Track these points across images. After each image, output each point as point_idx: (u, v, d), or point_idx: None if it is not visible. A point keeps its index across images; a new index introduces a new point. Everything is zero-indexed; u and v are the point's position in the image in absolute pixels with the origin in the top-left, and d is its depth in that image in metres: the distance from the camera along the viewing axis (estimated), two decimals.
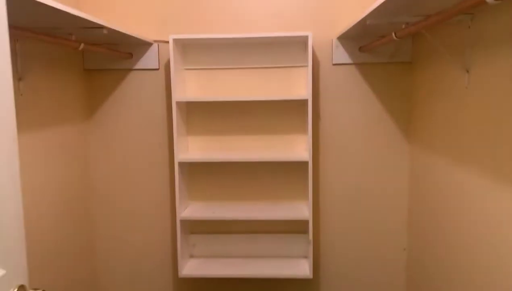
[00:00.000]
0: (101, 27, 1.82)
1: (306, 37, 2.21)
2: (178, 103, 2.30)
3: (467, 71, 1.69)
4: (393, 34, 1.73)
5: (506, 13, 1.41)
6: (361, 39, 2.34)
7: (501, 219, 1.45)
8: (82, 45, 1.86)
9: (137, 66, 2.48)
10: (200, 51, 2.45)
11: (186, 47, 2.45)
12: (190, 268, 2.44)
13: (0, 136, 0.98)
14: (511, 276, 1.40)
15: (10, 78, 1.02)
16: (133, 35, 2.13)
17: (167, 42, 2.42)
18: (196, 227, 2.56)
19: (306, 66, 2.32)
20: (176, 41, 2.26)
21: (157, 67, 2.47)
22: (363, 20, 1.74)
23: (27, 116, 1.93)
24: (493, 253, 1.51)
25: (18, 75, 1.85)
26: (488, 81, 1.54)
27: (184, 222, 2.42)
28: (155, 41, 2.45)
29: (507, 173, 1.41)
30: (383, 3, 1.42)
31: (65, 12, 1.48)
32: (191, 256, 2.57)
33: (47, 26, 1.73)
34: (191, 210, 2.44)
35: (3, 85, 1.00)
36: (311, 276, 2.33)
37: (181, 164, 2.36)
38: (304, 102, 2.39)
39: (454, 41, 1.79)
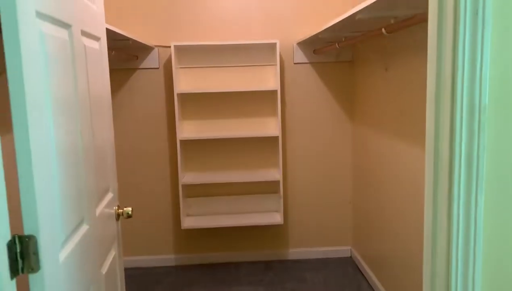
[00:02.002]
0: (127, 39, 2.48)
1: (275, 44, 2.96)
2: (178, 94, 2.98)
3: (386, 70, 2.51)
4: (337, 44, 2.52)
5: (410, 31, 2.22)
6: (315, 45, 3.13)
7: (413, 169, 2.29)
8: (113, 52, 2.50)
9: (141, 66, 3.12)
10: (192, 53, 3.13)
11: (180, 50, 3.12)
12: (189, 222, 3.14)
13: (105, 111, 1.66)
14: (419, 212, 2.24)
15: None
16: (143, 42, 2.78)
17: (166, 46, 3.09)
18: (191, 192, 3.26)
19: (275, 65, 3.07)
20: (175, 46, 2.93)
21: (158, 67, 3.13)
22: (317, 34, 2.51)
23: None
24: (408, 196, 2.35)
25: None
26: (399, 76, 2.37)
27: (183, 187, 3.11)
28: (156, 46, 3.10)
29: (414, 138, 2.25)
30: (330, 26, 2.19)
31: (111, 30, 2.13)
32: (188, 215, 3.28)
33: None
34: (188, 178, 3.14)
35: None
36: (282, 222, 3.12)
37: (181, 141, 3.05)
38: (273, 92, 3.15)
39: (378, 49, 2.62)
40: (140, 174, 3.23)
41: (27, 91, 0.89)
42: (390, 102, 2.47)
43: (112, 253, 1.65)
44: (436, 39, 0.89)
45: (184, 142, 3.18)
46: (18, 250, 0.91)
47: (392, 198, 2.52)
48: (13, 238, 0.91)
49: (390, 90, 2.47)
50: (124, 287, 1.81)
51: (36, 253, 0.93)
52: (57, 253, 1.04)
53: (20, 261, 0.92)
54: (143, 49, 3.09)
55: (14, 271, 0.90)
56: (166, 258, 3.33)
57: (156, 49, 3.11)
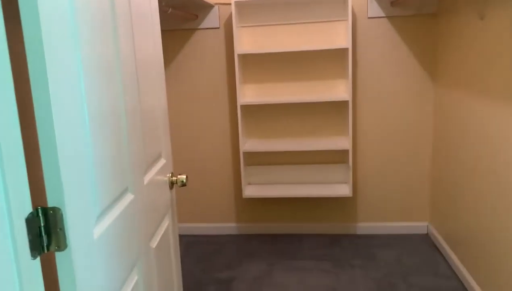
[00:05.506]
0: None
1: None
2: (238, 55, 2.78)
3: (481, 18, 2.10)
4: None
5: None
6: None
7: (508, 135, 1.92)
8: (170, 10, 2.33)
9: (201, 26, 2.94)
10: (253, 10, 2.89)
11: (241, 7, 2.89)
12: (250, 191, 3.00)
13: (155, 74, 1.50)
14: (508, 182, 1.88)
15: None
16: None
17: (227, 4, 2.87)
18: (252, 160, 3.10)
19: (345, 20, 2.74)
20: (236, 3, 2.70)
21: (218, 26, 2.94)
22: None
23: None
24: (500, 167, 1.99)
25: None
26: (496, 26, 1.96)
27: (244, 155, 2.95)
28: (216, 3, 2.90)
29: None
30: None
31: None
32: (249, 184, 3.13)
33: None
34: (249, 145, 2.96)
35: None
36: (350, 195, 2.86)
37: (241, 107, 2.86)
38: (344, 50, 2.84)
39: None
40: (199, 141, 3.11)
41: (45, 42, 0.73)
42: (486, 58, 2.07)
43: (165, 224, 1.53)
44: None
45: (245, 107, 3.00)
46: (42, 224, 0.78)
47: (480, 170, 2.15)
48: (36, 210, 0.77)
49: (486, 43, 2.07)
50: (179, 259, 1.70)
51: (62, 228, 0.80)
52: (91, 228, 0.90)
53: (45, 237, 0.79)
54: (202, 7, 2.90)
55: (37, 248, 0.76)
56: (227, 226, 3.23)
57: (216, 6, 2.91)
